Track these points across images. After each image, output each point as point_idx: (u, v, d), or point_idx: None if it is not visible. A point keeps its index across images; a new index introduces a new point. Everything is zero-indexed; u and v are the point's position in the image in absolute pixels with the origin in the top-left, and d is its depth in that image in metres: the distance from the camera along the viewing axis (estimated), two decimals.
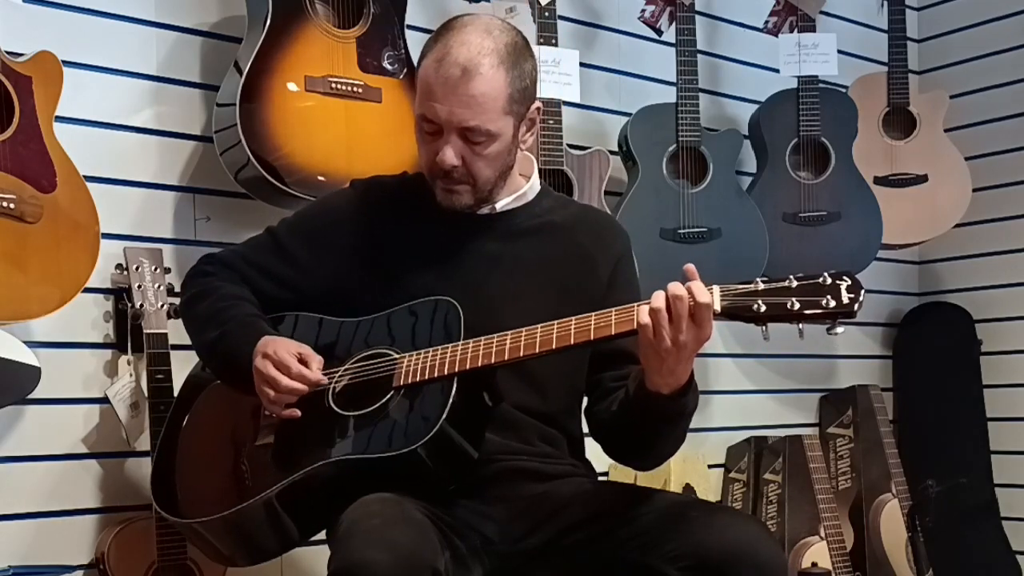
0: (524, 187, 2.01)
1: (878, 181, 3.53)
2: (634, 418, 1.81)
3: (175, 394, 2.22)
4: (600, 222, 2.10)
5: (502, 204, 1.99)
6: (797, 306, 1.61)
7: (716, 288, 1.65)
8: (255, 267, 2.03)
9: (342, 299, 1.98)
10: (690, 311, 1.63)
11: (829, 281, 1.62)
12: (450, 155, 1.87)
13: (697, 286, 1.65)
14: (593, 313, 1.72)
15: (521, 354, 1.74)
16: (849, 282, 1.61)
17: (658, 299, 1.65)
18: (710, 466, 3.39)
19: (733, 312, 1.64)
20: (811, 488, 3.34)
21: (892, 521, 3.50)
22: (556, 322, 1.74)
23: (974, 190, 3.63)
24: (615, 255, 2.02)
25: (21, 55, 2.21)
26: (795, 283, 1.63)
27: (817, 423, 3.75)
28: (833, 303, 1.60)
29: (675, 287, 1.65)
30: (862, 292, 1.61)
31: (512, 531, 1.86)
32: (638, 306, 1.68)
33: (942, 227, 3.63)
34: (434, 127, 1.87)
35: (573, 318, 1.73)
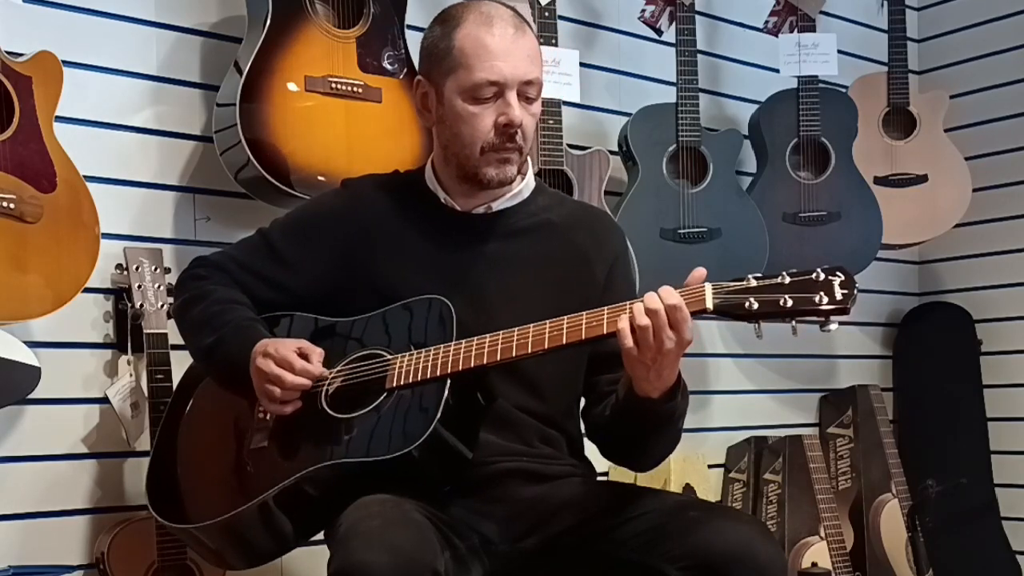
0: (519, 185, 2.00)
1: (878, 181, 3.53)
2: (627, 423, 1.81)
3: None
4: (596, 220, 2.09)
5: (498, 204, 1.98)
6: (790, 303, 1.59)
7: (708, 286, 1.64)
8: (247, 270, 2.02)
9: (335, 300, 1.97)
10: (668, 318, 1.63)
11: (822, 277, 1.60)
12: (519, 111, 1.87)
13: (665, 290, 1.64)
14: (585, 312, 1.72)
15: (514, 354, 1.74)
16: (842, 278, 1.59)
17: (639, 315, 1.64)
18: (710, 466, 3.39)
19: (725, 310, 1.62)
20: (811, 488, 3.34)
21: (892, 521, 3.50)
22: (548, 321, 1.73)
23: (974, 190, 3.63)
24: (612, 255, 2.02)
25: (21, 55, 2.21)
26: (788, 280, 1.61)
27: (817, 423, 3.75)
28: (826, 299, 1.58)
29: (650, 299, 1.64)
30: (856, 288, 1.59)
31: (511, 531, 1.86)
32: (620, 316, 1.66)
33: (942, 227, 3.63)
34: (494, 89, 1.86)
35: (565, 317, 1.73)
